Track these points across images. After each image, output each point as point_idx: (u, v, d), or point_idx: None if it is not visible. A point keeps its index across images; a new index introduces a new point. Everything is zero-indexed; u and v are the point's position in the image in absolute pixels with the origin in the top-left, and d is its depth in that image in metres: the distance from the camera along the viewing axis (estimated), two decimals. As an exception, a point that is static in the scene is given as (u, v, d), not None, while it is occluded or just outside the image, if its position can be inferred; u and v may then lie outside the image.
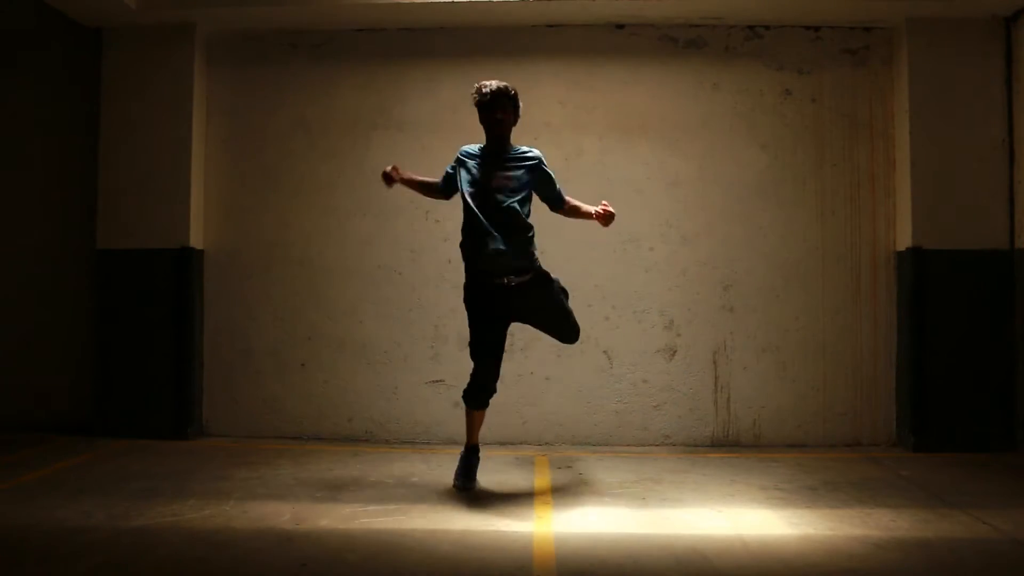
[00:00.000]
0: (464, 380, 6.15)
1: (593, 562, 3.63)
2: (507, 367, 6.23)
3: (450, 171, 4.92)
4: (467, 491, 4.75)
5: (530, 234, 4.76)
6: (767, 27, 6.34)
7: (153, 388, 6.22)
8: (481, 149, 4.83)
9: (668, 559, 3.67)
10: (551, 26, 6.37)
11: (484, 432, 6.17)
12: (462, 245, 4.79)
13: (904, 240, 6.11)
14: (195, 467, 5.31)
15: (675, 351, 6.25)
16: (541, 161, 4.82)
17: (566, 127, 6.29)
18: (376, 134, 6.42)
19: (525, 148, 4.86)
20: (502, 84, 4.72)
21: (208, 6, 6.13)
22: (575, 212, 4.91)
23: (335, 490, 4.78)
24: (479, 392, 4.85)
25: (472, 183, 4.73)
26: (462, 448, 5.01)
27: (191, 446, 6.01)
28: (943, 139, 6.03)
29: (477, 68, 6.37)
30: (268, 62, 6.50)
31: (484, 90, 4.70)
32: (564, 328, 4.95)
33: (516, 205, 4.68)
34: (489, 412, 6.18)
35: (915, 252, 5.99)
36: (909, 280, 6.03)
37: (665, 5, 6.06)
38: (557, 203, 4.90)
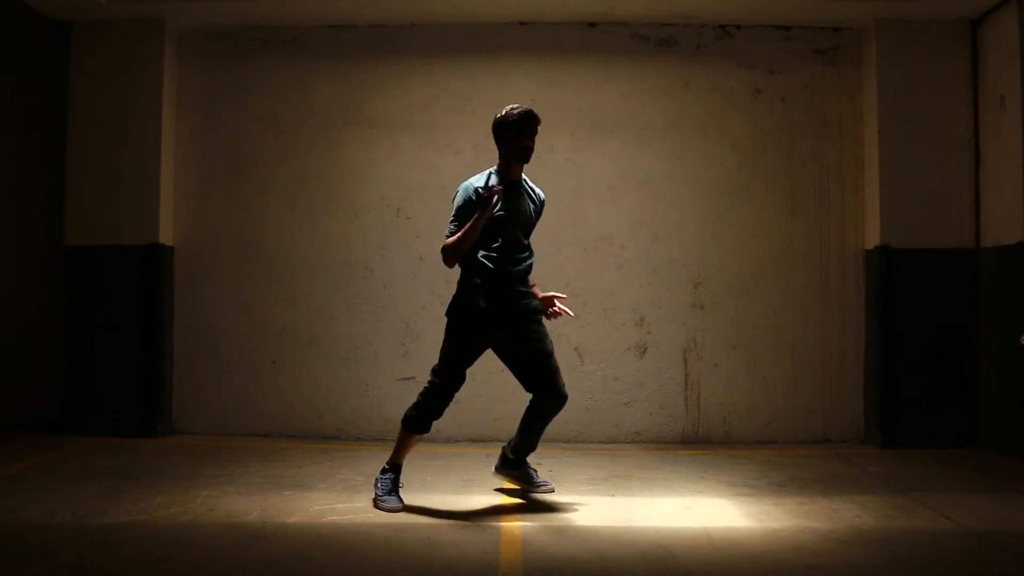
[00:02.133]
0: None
1: (560, 559, 3.64)
2: (477, 365, 6.23)
3: (456, 224, 4.40)
4: (400, 511, 4.35)
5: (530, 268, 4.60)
6: (738, 27, 6.38)
7: (122, 385, 6.17)
8: (497, 176, 4.48)
9: (635, 556, 3.69)
10: (523, 23, 6.37)
11: (455, 429, 6.21)
12: (474, 277, 4.43)
13: (872, 238, 6.17)
14: (163, 465, 5.28)
15: (645, 348, 6.28)
16: (544, 205, 4.69)
17: (538, 125, 6.29)
18: (347, 131, 6.40)
19: (533, 184, 4.68)
20: (530, 107, 4.42)
21: (178, 1, 6.08)
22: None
23: (304, 488, 4.76)
24: (429, 419, 4.43)
25: (498, 220, 4.36)
26: (387, 464, 4.55)
27: (160, 444, 5.97)
28: (911, 139, 6.10)
29: (448, 65, 6.40)
30: (239, 58, 6.46)
31: (515, 114, 4.37)
32: (551, 375, 4.48)
33: (527, 243, 4.58)
34: (460, 409, 6.17)
35: (883, 250, 6.05)
36: (877, 278, 6.09)
37: (637, 4, 6.08)
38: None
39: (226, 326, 6.38)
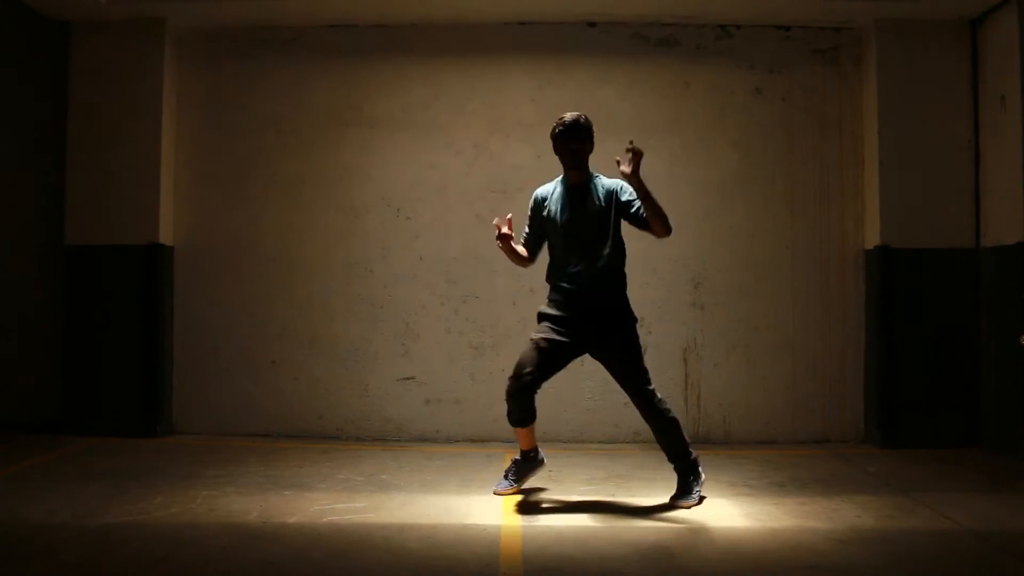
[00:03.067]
0: (435, 378, 6.22)
1: (560, 558, 3.64)
2: (478, 364, 6.28)
3: (528, 231, 4.67)
4: (506, 494, 4.62)
5: (618, 274, 4.58)
6: (738, 27, 6.38)
7: (122, 385, 6.17)
8: (561, 183, 4.61)
9: (634, 555, 3.69)
10: (523, 23, 6.37)
11: (455, 429, 6.22)
12: (549, 282, 4.62)
13: (872, 238, 6.17)
14: (163, 465, 5.28)
15: (645, 349, 6.16)
16: (619, 190, 4.54)
17: (537, 125, 6.24)
18: (347, 131, 6.40)
19: (606, 180, 4.59)
20: (578, 115, 4.51)
21: (178, 1, 6.08)
22: (653, 217, 4.44)
23: (304, 488, 4.76)
24: (518, 411, 4.56)
25: (556, 226, 4.52)
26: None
27: (160, 444, 5.97)
28: (911, 139, 6.10)
29: (449, 65, 6.40)
30: (239, 58, 6.46)
31: (559, 123, 4.51)
32: (629, 380, 4.57)
33: (600, 247, 4.49)
34: (460, 409, 6.21)
35: (883, 250, 6.05)
36: (877, 278, 6.09)
37: (637, 3, 6.08)
38: (644, 225, 4.51)
39: (226, 326, 6.38)
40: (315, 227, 6.38)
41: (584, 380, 6.21)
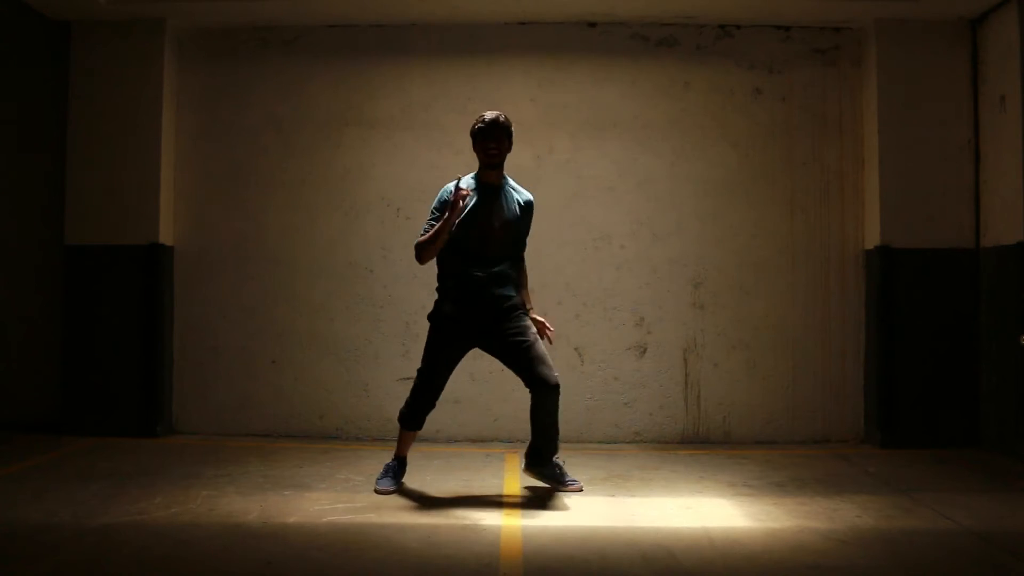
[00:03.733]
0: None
1: (560, 558, 3.64)
2: (478, 364, 6.26)
3: (435, 220, 4.59)
4: (386, 494, 4.63)
5: (514, 271, 4.73)
6: (738, 26, 6.38)
7: (122, 385, 6.17)
8: (476, 181, 4.66)
9: (635, 555, 3.69)
10: (522, 23, 6.37)
11: (455, 429, 6.23)
12: (447, 278, 4.67)
13: (872, 238, 6.17)
14: (163, 465, 5.27)
15: (645, 348, 6.28)
16: (532, 207, 4.79)
17: (537, 125, 6.29)
18: (347, 131, 6.40)
19: (519, 186, 4.78)
20: (497, 114, 4.58)
21: (178, 1, 6.08)
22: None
23: (304, 488, 4.76)
24: (417, 416, 4.73)
25: (472, 223, 4.55)
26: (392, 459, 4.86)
27: (160, 444, 5.96)
28: (911, 139, 6.10)
29: (448, 65, 6.41)
30: (239, 58, 6.46)
31: (478, 122, 4.57)
32: (534, 365, 4.54)
33: (512, 248, 4.68)
34: (459, 409, 6.21)
35: (883, 250, 6.05)
36: (877, 278, 6.09)
37: (637, 3, 6.08)
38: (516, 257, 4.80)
39: (226, 326, 6.38)
40: (315, 227, 6.38)
41: (584, 380, 6.22)
